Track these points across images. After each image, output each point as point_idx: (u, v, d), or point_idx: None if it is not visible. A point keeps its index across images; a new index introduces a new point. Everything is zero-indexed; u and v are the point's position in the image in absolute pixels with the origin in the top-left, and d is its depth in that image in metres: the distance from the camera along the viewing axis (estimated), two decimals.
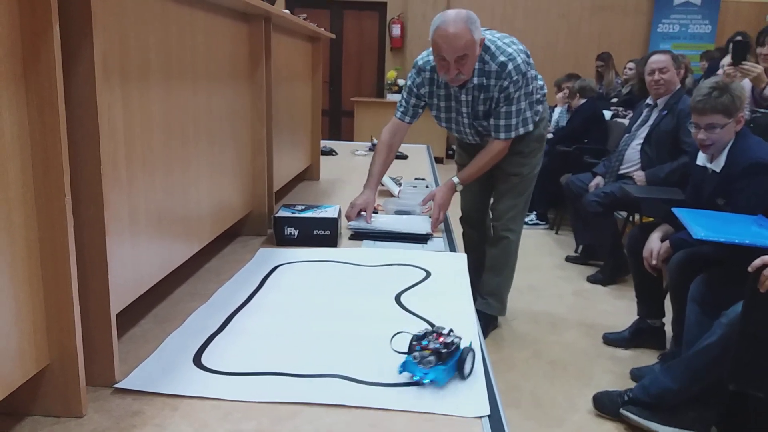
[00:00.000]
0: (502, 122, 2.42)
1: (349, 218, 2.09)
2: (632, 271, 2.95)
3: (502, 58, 2.30)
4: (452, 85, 2.38)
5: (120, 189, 1.11)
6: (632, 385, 2.36)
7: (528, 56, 2.41)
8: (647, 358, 2.81)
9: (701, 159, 2.49)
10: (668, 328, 2.84)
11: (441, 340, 1.08)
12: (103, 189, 0.98)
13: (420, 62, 2.49)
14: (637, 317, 2.96)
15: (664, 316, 2.89)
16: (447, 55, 2.20)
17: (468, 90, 2.40)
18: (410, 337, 1.11)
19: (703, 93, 2.34)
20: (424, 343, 1.08)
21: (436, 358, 1.06)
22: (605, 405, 2.25)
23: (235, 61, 1.78)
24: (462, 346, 1.10)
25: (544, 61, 8.60)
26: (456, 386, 1.08)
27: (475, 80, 2.35)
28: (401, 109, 2.54)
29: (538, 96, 2.55)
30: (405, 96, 2.53)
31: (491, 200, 2.85)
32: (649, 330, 2.91)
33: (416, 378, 1.06)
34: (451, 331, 1.12)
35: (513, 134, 2.44)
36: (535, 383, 2.57)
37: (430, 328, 1.13)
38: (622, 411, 2.17)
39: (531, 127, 2.50)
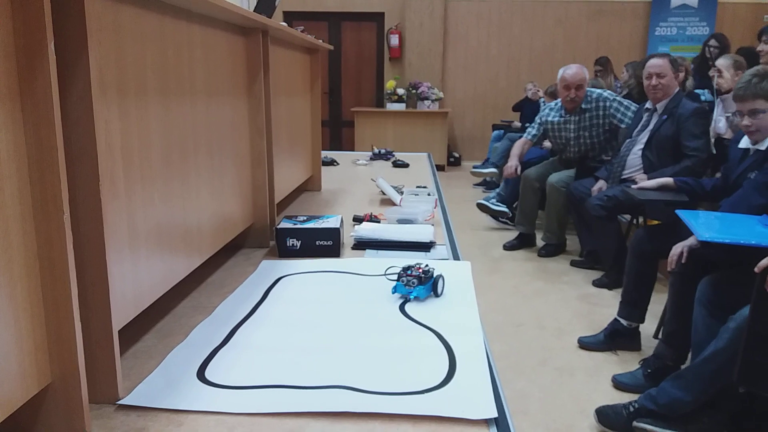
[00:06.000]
0: None
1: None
2: (628, 272, 2.91)
3: None
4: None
5: (119, 204, 1.11)
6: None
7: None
8: None
9: (745, 142, 2.51)
10: (648, 330, 2.86)
11: (420, 270, 1.52)
12: (102, 205, 0.98)
13: None
14: (614, 319, 2.93)
15: (643, 322, 2.87)
16: None
17: None
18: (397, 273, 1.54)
19: (744, 80, 2.40)
20: (409, 272, 1.52)
21: (417, 281, 1.51)
22: (611, 418, 2.21)
23: (233, 74, 1.78)
24: (435, 275, 1.55)
25: (542, 67, 8.64)
26: (462, 390, 1.07)
27: None
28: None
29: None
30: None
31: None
32: (625, 332, 2.89)
33: (405, 294, 1.51)
34: (427, 264, 1.55)
35: None
36: (543, 390, 2.55)
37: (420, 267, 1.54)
38: (636, 423, 2.13)
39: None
